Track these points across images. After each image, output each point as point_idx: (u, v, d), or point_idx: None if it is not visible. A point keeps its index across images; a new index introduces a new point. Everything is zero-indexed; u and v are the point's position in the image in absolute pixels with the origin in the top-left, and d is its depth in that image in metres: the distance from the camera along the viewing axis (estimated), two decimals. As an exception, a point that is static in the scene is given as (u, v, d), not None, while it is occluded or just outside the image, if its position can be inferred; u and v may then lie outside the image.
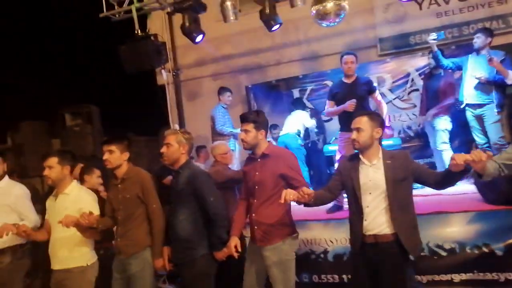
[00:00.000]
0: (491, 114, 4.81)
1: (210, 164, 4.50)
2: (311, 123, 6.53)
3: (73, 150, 5.21)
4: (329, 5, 4.91)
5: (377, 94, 4.76)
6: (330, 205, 4.30)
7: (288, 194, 2.54)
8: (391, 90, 6.94)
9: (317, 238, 4.08)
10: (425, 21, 6.70)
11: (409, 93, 6.86)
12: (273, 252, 2.91)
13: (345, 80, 4.72)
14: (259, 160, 3.01)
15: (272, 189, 2.85)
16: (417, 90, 6.79)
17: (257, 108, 7.65)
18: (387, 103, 6.66)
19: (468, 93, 4.96)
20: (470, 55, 5.02)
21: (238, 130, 6.17)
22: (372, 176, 2.68)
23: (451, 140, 5.39)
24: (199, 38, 5.48)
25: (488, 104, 4.86)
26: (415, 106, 6.78)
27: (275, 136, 6.89)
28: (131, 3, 5.50)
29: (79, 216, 2.94)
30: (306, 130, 6.69)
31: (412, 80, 6.83)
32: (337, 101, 4.67)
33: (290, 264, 2.96)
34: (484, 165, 2.32)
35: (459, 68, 5.06)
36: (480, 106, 4.89)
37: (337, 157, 4.76)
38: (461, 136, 5.60)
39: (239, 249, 3.00)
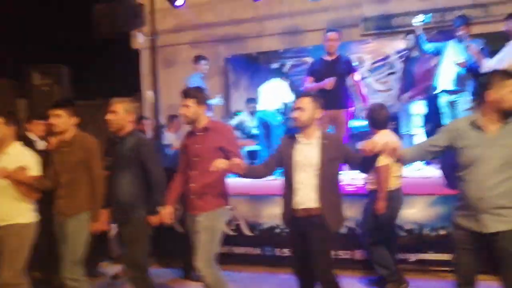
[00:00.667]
0: (465, 101, 4.90)
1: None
2: (291, 97, 6.28)
3: (41, 111, 5.08)
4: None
5: (356, 74, 4.74)
6: None
7: (219, 162, 2.76)
8: (370, 71, 6.96)
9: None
10: (409, 3, 6.65)
11: (387, 75, 6.89)
12: (206, 218, 3.09)
13: (326, 58, 4.68)
14: (199, 134, 3.16)
15: (211, 161, 2.94)
16: (394, 73, 6.84)
17: (235, 80, 7.54)
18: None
19: (445, 79, 5.00)
20: (450, 40, 5.04)
21: (213, 101, 6.07)
22: (307, 153, 2.85)
23: (426, 123, 5.48)
24: (179, 1, 5.26)
25: (463, 91, 4.93)
26: (391, 89, 6.84)
27: (252, 110, 6.81)
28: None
29: (12, 170, 3.07)
30: (286, 105, 6.59)
31: (391, 63, 6.85)
32: (316, 78, 4.63)
33: (218, 233, 3.15)
34: (395, 152, 2.58)
35: (439, 53, 5.08)
36: (455, 92, 4.96)
37: None
38: (433, 122, 5.69)
39: (171, 217, 3.21)
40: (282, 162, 2.95)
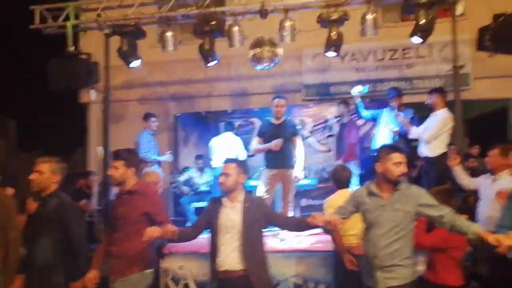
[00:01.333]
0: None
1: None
2: (244, 154, 6.36)
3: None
4: (266, 51, 5.28)
5: (298, 137, 5.11)
6: None
7: (152, 231, 2.75)
8: (311, 133, 7.48)
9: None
10: (346, 74, 7.42)
11: (326, 137, 7.45)
12: (122, 284, 3.07)
13: (273, 121, 5.04)
14: (124, 196, 3.17)
15: (134, 224, 3.03)
16: (333, 135, 7.42)
17: (185, 136, 7.71)
18: (307, 145, 7.21)
19: (381, 142, 5.56)
20: (384, 109, 5.67)
21: (162, 158, 6.15)
22: (231, 217, 2.98)
23: (362, 183, 5.93)
24: (135, 63, 5.47)
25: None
26: (330, 150, 7.37)
27: (200, 166, 6.95)
28: (66, 19, 5.34)
29: None
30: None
31: (330, 126, 7.45)
32: (265, 139, 4.96)
33: None
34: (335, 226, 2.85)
35: (375, 119, 5.68)
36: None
37: (258, 192, 5.00)
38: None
39: (96, 282, 3.10)
40: (208, 224, 3.06)
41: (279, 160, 4.90)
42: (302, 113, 7.58)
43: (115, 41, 5.39)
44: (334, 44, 5.12)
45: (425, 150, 5.11)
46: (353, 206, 2.96)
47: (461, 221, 2.71)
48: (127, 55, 5.34)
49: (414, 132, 5.20)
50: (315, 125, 7.53)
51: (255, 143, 5.10)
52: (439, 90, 5.10)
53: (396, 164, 2.78)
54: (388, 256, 2.75)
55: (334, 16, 4.96)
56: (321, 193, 6.48)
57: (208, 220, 3.05)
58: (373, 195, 2.87)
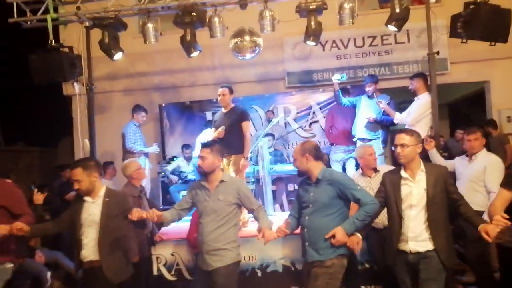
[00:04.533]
0: (377, 148, 5.60)
1: (123, 184, 4.50)
2: None
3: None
4: (246, 41, 5.35)
5: (246, 124, 5.08)
6: None
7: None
8: (295, 120, 7.63)
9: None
10: (327, 61, 7.55)
11: (310, 124, 7.60)
12: None
13: (223, 110, 5.20)
14: None
15: None
16: (317, 122, 7.57)
17: (170, 126, 7.77)
18: (291, 132, 7.36)
19: (359, 129, 5.73)
20: (362, 96, 5.83)
21: (149, 149, 6.22)
22: (92, 211, 3.25)
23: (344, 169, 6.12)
24: (117, 56, 5.48)
25: (375, 139, 5.66)
26: (314, 135, 7.54)
27: (187, 156, 7.06)
28: (45, 12, 5.32)
29: None
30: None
31: (314, 112, 7.60)
32: (215, 128, 5.09)
33: None
34: None
35: (354, 106, 5.83)
36: (368, 140, 5.67)
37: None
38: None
39: None
40: (71, 220, 3.30)
41: (224, 147, 4.98)
42: (285, 100, 7.71)
43: (97, 32, 5.40)
44: (313, 33, 5.21)
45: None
46: (190, 200, 3.43)
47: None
48: (109, 48, 5.35)
49: (398, 117, 5.35)
50: (298, 112, 7.66)
51: (211, 133, 5.21)
52: (421, 75, 5.20)
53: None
54: (213, 240, 3.26)
55: (313, 6, 5.03)
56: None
57: (70, 215, 3.31)
58: (204, 188, 3.36)
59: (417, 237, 2.96)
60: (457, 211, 3.00)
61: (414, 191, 3.00)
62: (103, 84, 7.40)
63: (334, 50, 7.56)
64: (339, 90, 5.73)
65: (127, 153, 6.09)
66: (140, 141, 6.17)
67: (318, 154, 3.26)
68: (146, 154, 6.21)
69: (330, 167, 5.39)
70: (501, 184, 2.91)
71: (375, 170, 4.14)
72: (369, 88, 5.67)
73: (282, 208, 6.73)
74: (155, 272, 4.58)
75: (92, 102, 5.63)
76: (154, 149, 6.27)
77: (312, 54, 7.55)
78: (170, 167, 7.10)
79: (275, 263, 4.60)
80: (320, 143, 7.42)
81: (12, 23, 5.38)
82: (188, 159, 7.03)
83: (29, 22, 5.43)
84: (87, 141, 5.58)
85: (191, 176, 6.82)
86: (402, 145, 3.01)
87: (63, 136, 9.76)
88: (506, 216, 2.64)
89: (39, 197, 4.09)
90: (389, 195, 3.10)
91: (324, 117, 7.35)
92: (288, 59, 7.64)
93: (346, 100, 5.86)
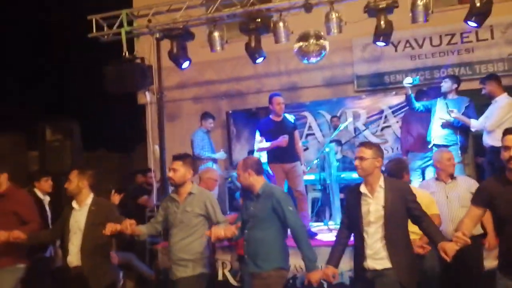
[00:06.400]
0: (455, 155, 5.13)
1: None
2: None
3: (51, 165, 5.30)
4: (312, 44, 5.22)
5: (297, 133, 5.21)
6: None
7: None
8: (365, 125, 7.28)
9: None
10: (400, 62, 7.14)
11: (382, 129, 7.21)
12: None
13: (274, 118, 5.08)
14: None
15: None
16: (389, 126, 7.17)
17: (237, 132, 7.85)
18: (358, 134, 7.07)
19: (436, 135, 5.28)
20: (438, 98, 5.39)
21: (216, 155, 6.32)
22: (78, 218, 3.48)
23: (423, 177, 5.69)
24: (185, 64, 5.65)
25: (452, 145, 5.18)
26: (386, 141, 7.14)
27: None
28: (120, 26, 5.63)
29: None
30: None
31: (386, 117, 7.20)
32: (267, 137, 5.02)
33: None
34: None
35: (429, 110, 5.40)
36: (445, 147, 5.21)
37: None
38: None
39: None
40: (62, 226, 3.53)
41: (284, 155, 4.99)
42: (355, 104, 7.40)
43: (167, 43, 5.62)
44: (383, 33, 4.94)
45: (489, 140, 4.80)
46: (163, 214, 3.53)
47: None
48: (177, 57, 5.53)
49: (474, 125, 4.91)
50: (368, 117, 7.32)
51: (259, 141, 5.12)
52: (492, 77, 4.83)
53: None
54: (178, 250, 3.37)
55: (382, 5, 4.78)
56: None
57: (62, 223, 3.57)
58: (174, 201, 3.47)
59: (374, 254, 2.86)
60: (420, 228, 2.93)
61: (372, 207, 2.90)
62: (173, 93, 7.69)
63: (407, 50, 7.12)
64: (411, 95, 5.35)
65: (195, 158, 6.23)
66: (208, 147, 6.29)
67: (259, 169, 3.32)
68: (214, 160, 6.30)
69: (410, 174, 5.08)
70: (471, 200, 2.81)
71: (452, 176, 3.88)
72: (449, 91, 5.23)
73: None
74: (220, 277, 4.60)
75: (163, 110, 5.84)
76: (222, 155, 6.35)
77: (383, 55, 7.18)
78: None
79: (342, 275, 4.38)
80: (392, 149, 7.05)
81: (92, 38, 5.78)
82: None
83: (106, 36, 5.79)
84: (157, 147, 5.81)
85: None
86: (361, 158, 2.92)
87: (138, 143, 10.27)
88: (467, 233, 2.60)
89: (115, 199, 4.35)
90: (351, 212, 3.02)
91: (397, 122, 6.95)
92: (358, 61, 7.34)
93: (419, 104, 5.44)
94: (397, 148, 6.87)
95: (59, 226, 3.59)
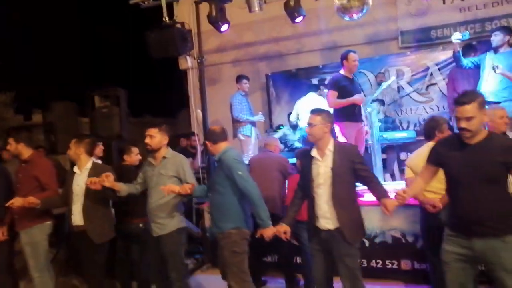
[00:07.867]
0: (510, 111, 4.90)
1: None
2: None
3: (101, 130, 5.59)
4: (353, 0, 5.03)
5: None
6: None
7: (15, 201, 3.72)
8: (409, 83, 7.03)
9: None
10: (448, 15, 6.72)
11: (427, 87, 6.93)
12: (25, 234, 4.00)
13: (348, 75, 5.01)
14: (22, 164, 4.12)
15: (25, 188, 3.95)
16: (435, 84, 6.88)
17: (276, 95, 7.83)
18: (405, 96, 6.85)
19: (486, 91, 5.03)
20: (488, 53, 5.09)
21: (255, 118, 6.38)
22: (79, 182, 3.79)
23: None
24: (224, 27, 5.64)
25: (505, 101, 4.94)
26: (432, 99, 6.89)
27: (293, 124, 7.05)
28: (160, -10, 5.67)
29: None
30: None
31: (431, 74, 6.90)
32: (342, 94, 4.89)
33: (40, 246, 4.00)
34: None
35: (477, 66, 5.13)
36: (497, 103, 4.97)
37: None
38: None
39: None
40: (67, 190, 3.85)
41: (358, 114, 5.01)
42: (398, 62, 7.10)
43: (206, 7, 5.60)
44: (430, -16, 4.67)
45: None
46: (142, 173, 3.78)
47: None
48: (216, 20, 5.53)
49: None
50: (413, 75, 7.04)
51: (333, 97, 4.95)
52: None
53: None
54: (155, 210, 3.59)
55: (429, -47, 4.49)
56: (419, 147, 6.18)
57: (66, 188, 3.96)
58: (150, 164, 3.71)
59: (324, 214, 3.04)
60: (368, 188, 3.11)
61: (321, 170, 3.06)
62: (213, 57, 7.69)
63: (456, 2, 6.67)
64: (459, 51, 5.08)
65: (235, 121, 6.34)
66: (246, 110, 6.36)
67: (216, 138, 3.52)
68: (253, 123, 6.37)
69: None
70: (426, 158, 2.84)
71: (504, 135, 3.67)
72: (495, 38, 4.91)
73: (393, 177, 6.39)
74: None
75: (203, 74, 5.92)
76: (260, 117, 6.41)
77: (430, 9, 6.78)
78: (277, 136, 7.18)
79: (384, 234, 4.43)
80: (438, 108, 6.80)
81: (132, 4, 5.87)
82: (294, 127, 7.02)
83: (146, 2, 5.85)
84: (199, 112, 5.95)
85: (297, 144, 6.82)
86: (310, 125, 3.10)
87: (182, 108, 10.51)
88: (411, 192, 2.80)
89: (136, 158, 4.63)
90: (305, 175, 3.18)
91: (444, 78, 6.65)
92: (402, 16, 6.98)
93: (467, 61, 5.17)
94: (443, 106, 6.62)
95: (65, 190, 3.91)
